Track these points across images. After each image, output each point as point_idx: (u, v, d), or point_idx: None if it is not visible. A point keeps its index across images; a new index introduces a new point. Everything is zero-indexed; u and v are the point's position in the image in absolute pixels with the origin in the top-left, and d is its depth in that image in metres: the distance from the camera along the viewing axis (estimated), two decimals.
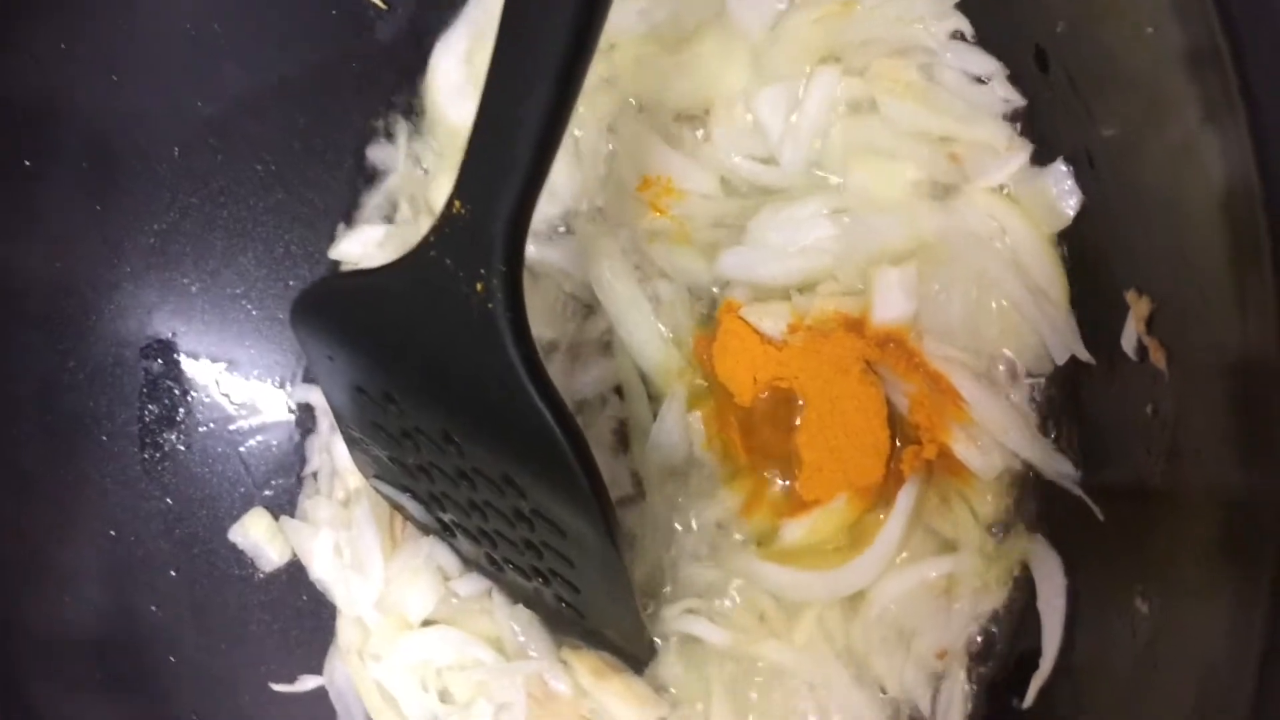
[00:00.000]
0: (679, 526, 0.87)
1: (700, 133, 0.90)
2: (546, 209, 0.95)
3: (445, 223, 0.66)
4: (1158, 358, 0.65)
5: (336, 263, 1.04)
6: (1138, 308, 0.67)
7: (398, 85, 1.04)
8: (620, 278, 0.90)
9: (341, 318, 0.76)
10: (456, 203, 0.65)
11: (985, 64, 0.84)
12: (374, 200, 1.04)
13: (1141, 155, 0.67)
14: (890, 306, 0.80)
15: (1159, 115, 0.65)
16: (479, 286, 0.64)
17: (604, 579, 0.77)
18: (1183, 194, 0.63)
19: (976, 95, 0.81)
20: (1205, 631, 0.60)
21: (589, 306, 0.94)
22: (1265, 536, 0.54)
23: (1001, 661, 0.79)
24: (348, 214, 1.05)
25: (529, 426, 0.66)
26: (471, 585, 0.94)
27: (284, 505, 1.03)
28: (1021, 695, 0.75)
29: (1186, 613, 0.63)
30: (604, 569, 0.75)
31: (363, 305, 0.74)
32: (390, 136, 1.04)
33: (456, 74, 0.99)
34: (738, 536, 0.86)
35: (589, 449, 0.68)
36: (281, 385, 1.05)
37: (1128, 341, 0.69)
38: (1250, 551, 0.56)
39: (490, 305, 0.64)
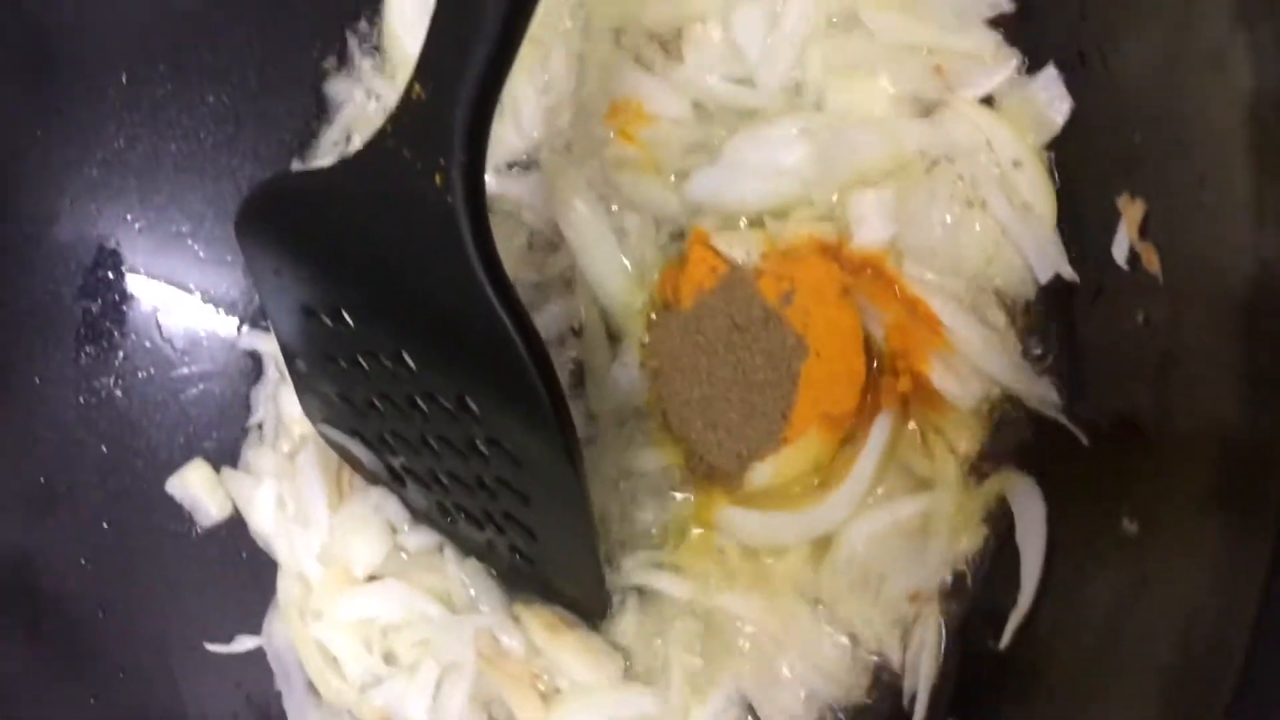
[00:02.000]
0: (636, 470, 0.82)
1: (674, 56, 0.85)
2: (512, 142, 0.91)
3: (403, 109, 0.63)
4: (1150, 260, 0.61)
5: None
6: (1130, 212, 0.62)
7: (356, 14, 0.99)
8: (586, 211, 0.85)
9: (290, 220, 0.72)
10: (416, 86, 0.62)
11: None
12: (329, 135, 0.99)
13: (1139, 54, 0.63)
14: (868, 231, 0.76)
15: (1176, 17, 0.60)
16: (437, 179, 0.61)
17: (562, 514, 0.73)
18: (1188, 94, 0.59)
19: (964, 2, 0.76)
20: (1196, 568, 0.55)
21: (551, 242, 0.89)
22: (1267, 476, 0.49)
23: (976, 603, 0.74)
24: (301, 149, 1.00)
25: (485, 332, 0.62)
26: (421, 539, 0.90)
27: (226, 457, 0.98)
28: (997, 636, 0.69)
29: (1176, 545, 0.58)
30: (562, 500, 0.71)
31: (313, 205, 0.70)
32: (346, 65, 0.99)
33: (414, 2, 0.94)
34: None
35: (548, 356, 0.63)
36: (228, 331, 1.00)
37: (1119, 249, 0.64)
38: (1249, 490, 0.51)
39: (449, 199, 0.61)
